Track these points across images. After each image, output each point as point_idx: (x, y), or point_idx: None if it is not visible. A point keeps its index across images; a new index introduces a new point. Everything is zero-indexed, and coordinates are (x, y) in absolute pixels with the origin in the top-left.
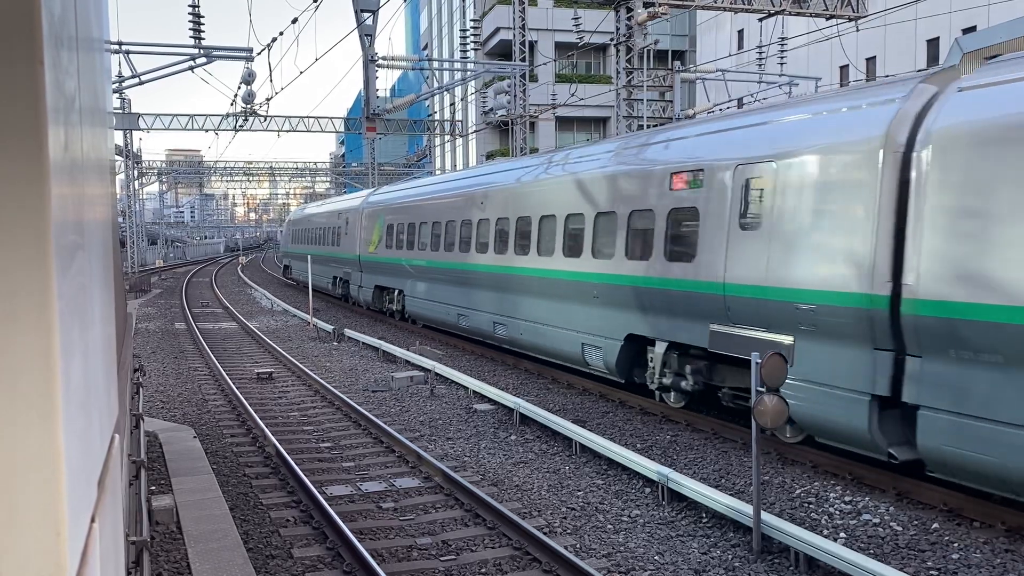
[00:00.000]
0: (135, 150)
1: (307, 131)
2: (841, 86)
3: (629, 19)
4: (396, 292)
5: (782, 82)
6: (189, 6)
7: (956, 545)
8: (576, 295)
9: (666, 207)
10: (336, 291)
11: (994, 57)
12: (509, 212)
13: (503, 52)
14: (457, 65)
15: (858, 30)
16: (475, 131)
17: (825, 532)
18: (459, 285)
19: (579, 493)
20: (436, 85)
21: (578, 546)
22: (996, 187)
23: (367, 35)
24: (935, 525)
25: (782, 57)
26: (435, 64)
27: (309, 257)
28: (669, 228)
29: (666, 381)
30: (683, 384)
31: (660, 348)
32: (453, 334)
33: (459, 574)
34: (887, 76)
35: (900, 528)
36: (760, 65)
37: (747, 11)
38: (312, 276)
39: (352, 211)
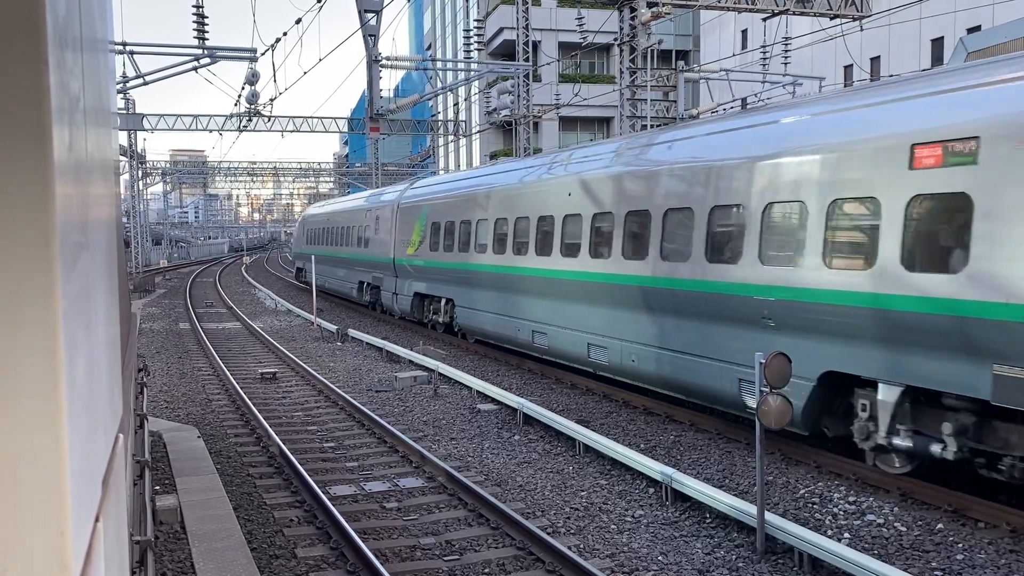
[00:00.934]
0: (139, 150)
1: (311, 131)
2: (845, 86)
3: (633, 19)
4: (443, 302)
5: (786, 82)
6: (193, 6)
7: (961, 546)
8: (742, 314)
9: (904, 191)
10: (363, 298)
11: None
12: (645, 203)
13: (507, 52)
14: (461, 65)
15: (862, 30)
16: (479, 131)
17: (829, 532)
18: (538, 296)
19: (583, 493)
20: (440, 85)
21: (582, 546)
22: None
23: (371, 35)
24: (939, 525)
25: (786, 57)
26: (439, 64)
27: (313, 257)
28: (910, 222)
29: (899, 441)
30: (934, 448)
31: (888, 394)
32: (523, 354)
33: (463, 574)
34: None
35: (904, 528)
36: (764, 65)
37: (751, 11)
38: (333, 281)
39: (384, 207)
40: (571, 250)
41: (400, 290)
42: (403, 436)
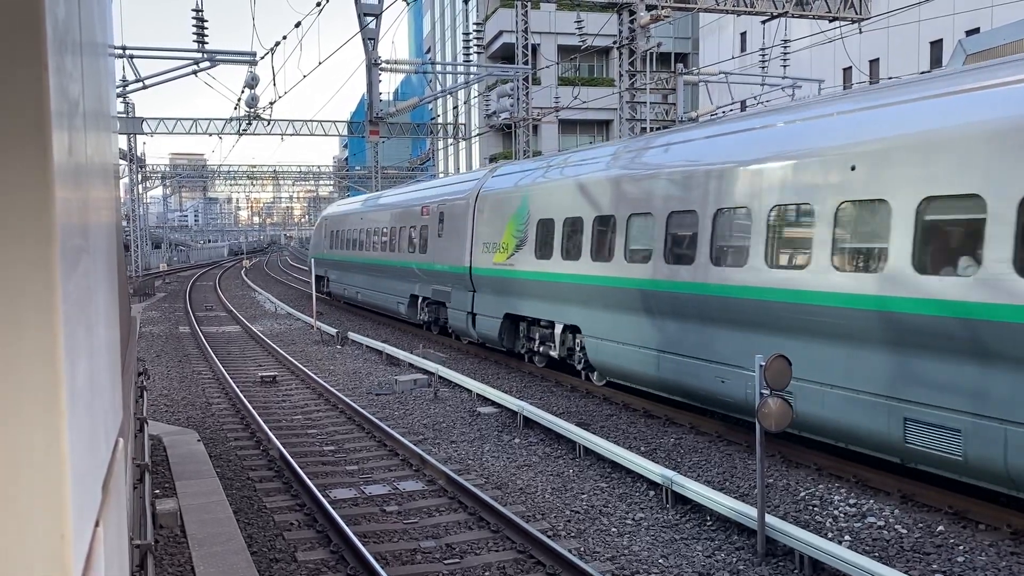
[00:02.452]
0: (139, 154)
1: (310, 135)
2: (844, 88)
3: (632, 22)
4: (557, 329)
5: (785, 84)
6: (193, 10)
7: (961, 548)
8: None
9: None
10: (416, 316)
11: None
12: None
13: (506, 55)
14: (460, 68)
15: (861, 32)
16: (478, 134)
17: (830, 535)
18: (777, 331)
19: (583, 496)
20: (439, 88)
21: (582, 549)
22: None
23: (370, 39)
24: (940, 528)
25: (785, 59)
26: (438, 68)
27: (312, 260)
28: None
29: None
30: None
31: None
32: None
33: None
34: (889, 78)
35: (905, 531)
36: (763, 67)
37: (750, 13)
38: (369, 293)
39: (454, 202)
40: (868, 260)
41: (481, 309)
42: (403, 439)
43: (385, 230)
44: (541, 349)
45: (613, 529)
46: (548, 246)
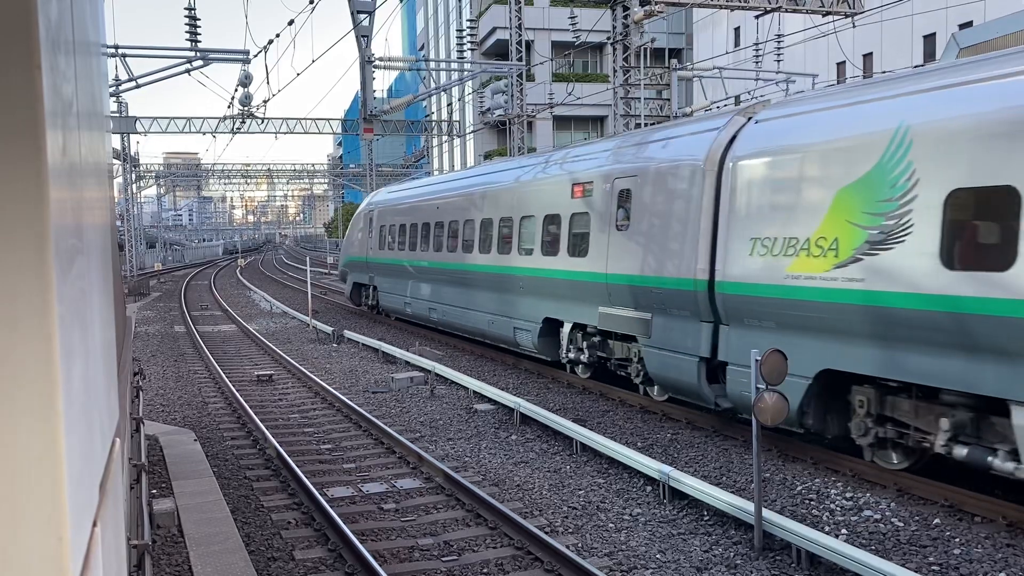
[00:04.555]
0: (133, 153)
1: (304, 133)
2: (838, 82)
3: (625, 17)
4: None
5: (779, 79)
6: (185, 9)
7: (957, 540)
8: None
9: None
10: (561, 353)
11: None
12: None
13: (500, 52)
14: (454, 65)
15: (854, 26)
16: (473, 131)
17: (826, 529)
18: None
19: (580, 492)
20: (433, 86)
21: (580, 545)
22: None
23: (364, 36)
24: (936, 520)
25: (779, 54)
26: (432, 65)
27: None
28: None
29: None
30: None
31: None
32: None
33: (461, 574)
34: (886, 72)
35: (901, 524)
36: (757, 62)
37: (743, 8)
38: (453, 313)
39: (665, 169)
40: None
41: (737, 355)
42: (400, 437)
43: (488, 222)
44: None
45: (610, 525)
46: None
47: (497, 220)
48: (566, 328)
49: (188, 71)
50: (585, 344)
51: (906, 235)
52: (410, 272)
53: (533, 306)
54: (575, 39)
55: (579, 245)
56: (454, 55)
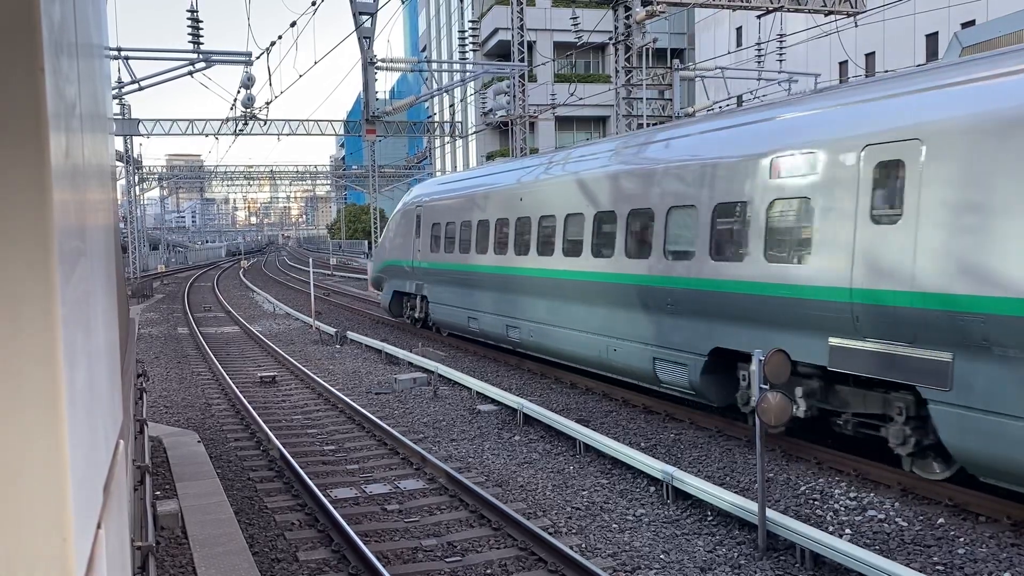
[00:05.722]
0: (135, 155)
1: (307, 134)
2: (840, 82)
3: (627, 18)
4: None
5: (781, 79)
6: (188, 11)
7: (962, 540)
8: None
9: None
10: (739, 398)
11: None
12: None
13: (502, 53)
14: (456, 66)
15: (857, 26)
16: (475, 132)
17: (830, 529)
18: None
19: (584, 493)
20: (435, 87)
21: (583, 546)
22: None
23: (366, 37)
24: (940, 520)
25: (781, 54)
26: (434, 66)
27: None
28: None
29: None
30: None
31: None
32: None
33: (464, 575)
34: (886, 71)
35: (905, 524)
36: (759, 62)
37: (745, 8)
38: (538, 329)
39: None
40: None
41: None
42: (403, 438)
43: (605, 217)
44: None
45: (614, 525)
46: None
47: (625, 214)
48: (753, 365)
49: (191, 73)
50: (798, 391)
51: None
52: (477, 280)
53: (691, 331)
54: (577, 39)
55: (786, 245)
56: (456, 56)
